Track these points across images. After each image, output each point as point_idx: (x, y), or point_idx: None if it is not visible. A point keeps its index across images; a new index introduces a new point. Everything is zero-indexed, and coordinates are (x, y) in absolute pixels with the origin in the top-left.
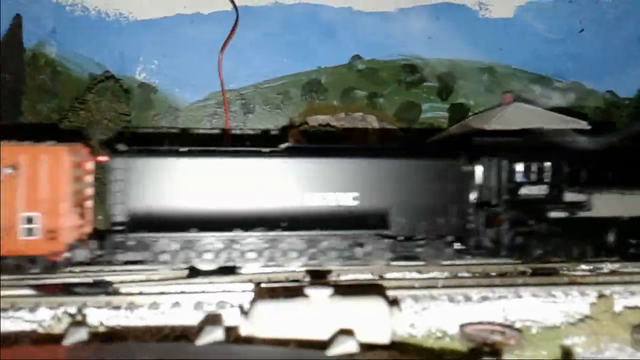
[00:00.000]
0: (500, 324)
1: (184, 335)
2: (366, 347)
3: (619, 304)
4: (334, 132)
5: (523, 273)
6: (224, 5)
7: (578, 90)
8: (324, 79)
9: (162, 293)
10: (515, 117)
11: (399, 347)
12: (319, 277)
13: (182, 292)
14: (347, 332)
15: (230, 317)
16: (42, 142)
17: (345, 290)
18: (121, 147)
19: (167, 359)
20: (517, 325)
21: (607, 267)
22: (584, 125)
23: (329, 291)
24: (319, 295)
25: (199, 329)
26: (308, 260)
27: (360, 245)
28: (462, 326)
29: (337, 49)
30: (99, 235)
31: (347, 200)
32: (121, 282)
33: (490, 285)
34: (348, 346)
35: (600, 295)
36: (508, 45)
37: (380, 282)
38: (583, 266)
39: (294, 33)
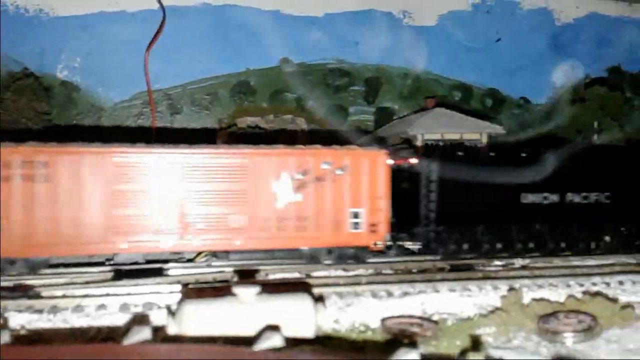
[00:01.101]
0: (418, 317)
1: (110, 336)
2: (292, 342)
3: (527, 296)
4: (263, 134)
5: (442, 269)
6: (150, 4)
7: (494, 97)
8: (253, 80)
9: (86, 296)
10: (436, 122)
11: (323, 341)
12: (247, 277)
13: (107, 295)
14: (273, 328)
15: (158, 318)
16: (364, 148)
17: (272, 288)
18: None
19: (93, 359)
20: (435, 317)
21: (518, 262)
22: (499, 129)
23: (256, 290)
24: (246, 293)
25: (125, 330)
26: None
27: None
28: (383, 320)
29: (266, 52)
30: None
31: None
32: (43, 285)
33: (411, 281)
34: (274, 341)
35: (511, 289)
36: (430, 53)
37: (306, 280)
38: (496, 262)
39: (222, 34)
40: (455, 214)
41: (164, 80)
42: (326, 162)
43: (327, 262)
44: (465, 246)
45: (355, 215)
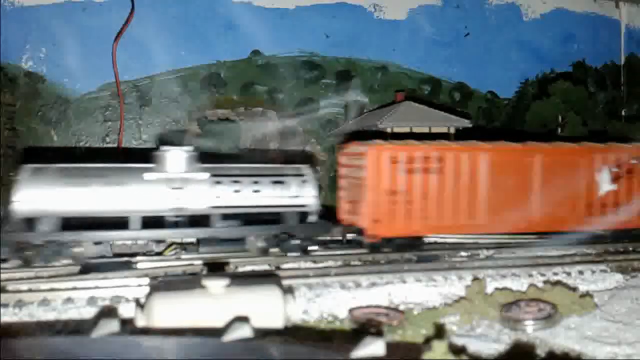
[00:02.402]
0: (385, 307)
1: (78, 330)
2: (261, 333)
3: (490, 286)
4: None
5: (409, 260)
6: None
7: (462, 91)
8: (223, 72)
9: (52, 289)
10: (405, 115)
11: (292, 331)
12: (217, 269)
13: (75, 288)
14: (242, 319)
15: (126, 311)
16: None
17: (242, 280)
18: None
19: (61, 351)
20: (401, 307)
21: (483, 253)
22: (467, 123)
23: (225, 282)
24: (215, 285)
25: (93, 323)
26: None
27: None
28: (351, 310)
29: (237, 44)
30: None
31: None
32: (7, 279)
33: (379, 272)
34: (242, 332)
35: (475, 279)
36: (400, 46)
37: (276, 272)
38: (462, 253)
39: (192, 26)
40: None
41: (133, 71)
42: (636, 158)
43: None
44: None
45: None
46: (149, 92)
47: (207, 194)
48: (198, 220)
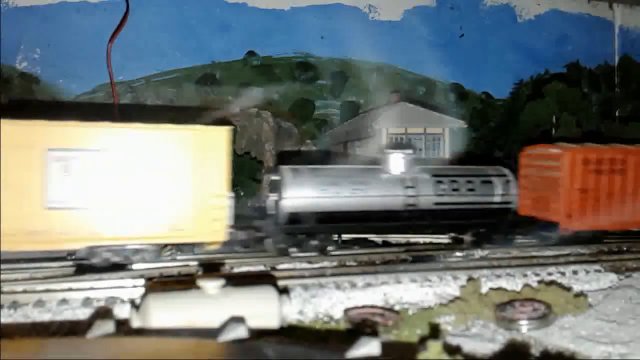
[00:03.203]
0: (380, 307)
1: (73, 331)
2: (256, 333)
3: (485, 286)
4: None
5: (404, 261)
6: None
7: (457, 91)
8: (218, 73)
9: (47, 290)
10: (400, 116)
11: (287, 332)
12: (212, 270)
13: (70, 289)
14: (237, 320)
15: (122, 312)
16: None
17: (237, 281)
18: None
19: (56, 352)
20: (396, 307)
21: (478, 253)
22: (461, 124)
23: (220, 282)
24: (210, 286)
25: (88, 324)
26: None
27: None
28: (346, 310)
29: (232, 44)
30: None
31: None
32: (3, 281)
33: (374, 273)
34: (238, 332)
35: (470, 279)
36: (395, 47)
37: (272, 272)
38: (457, 253)
39: (187, 26)
40: None
41: (127, 72)
42: None
43: None
44: None
45: None
46: (144, 92)
47: (431, 192)
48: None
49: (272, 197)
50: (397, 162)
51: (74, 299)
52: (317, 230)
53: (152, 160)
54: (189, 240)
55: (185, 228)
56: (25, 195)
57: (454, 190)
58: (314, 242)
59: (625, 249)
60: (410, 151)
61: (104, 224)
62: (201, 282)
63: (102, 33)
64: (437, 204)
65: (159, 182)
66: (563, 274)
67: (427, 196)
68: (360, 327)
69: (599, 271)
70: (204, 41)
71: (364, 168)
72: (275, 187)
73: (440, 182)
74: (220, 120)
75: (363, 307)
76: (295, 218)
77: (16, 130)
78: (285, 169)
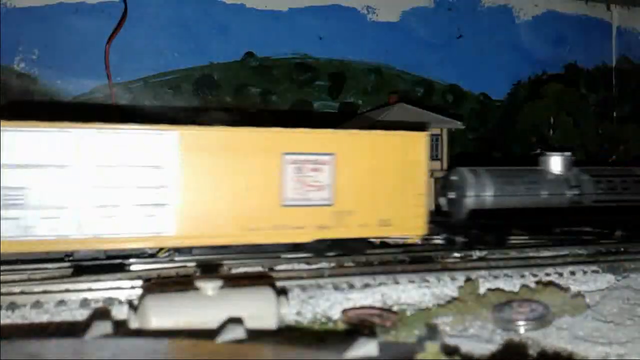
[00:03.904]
0: (378, 308)
1: (71, 332)
2: (254, 334)
3: (483, 287)
4: None
5: (402, 261)
6: None
7: (455, 92)
8: (216, 74)
9: (45, 292)
10: (399, 117)
11: (285, 332)
12: (210, 271)
13: (67, 291)
14: (235, 321)
15: (120, 313)
16: None
17: (235, 282)
18: None
19: (54, 353)
20: (394, 308)
21: (476, 254)
22: (459, 125)
23: (218, 283)
24: (208, 287)
25: (86, 325)
26: None
27: None
28: (344, 311)
29: (230, 45)
30: None
31: None
32: (1, 282)
33: (372, 273)
34: (236, 333)
35: (468, 279)
36: (393, 48)
37: (270, 273)
38: (455, 254)
39: (185, 28)
40: None
41: (125, 73)
42: None
43: None
44: None
45: None
46: (142, 94)
47: (592, 191)
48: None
49: (451, 195)
50: (558, 163)
51: (71, 300)
52: (501, 225)
53: (370, 161)
54: (395, 234)
55: (394, 223)
56: (266, 194)
57: (611, 189)
58: (492, 236)
59: (622, 249)
60: (569, 153)
61: (333, 219)
62: (199, 283)
63: (100, 34)
64: (596, 201)
65: (375, 182)
66: (561, 274)
67: (589, 194)
68: (359, 327)
69: (596, 272)
70: (202, 42)
71: (530, 169)
72: (455, 186)
73: (598, 181)
74: (416, 126)
75: (361, 307)
76: (475, 215)
77: (258, 137)
78: (464, 170)
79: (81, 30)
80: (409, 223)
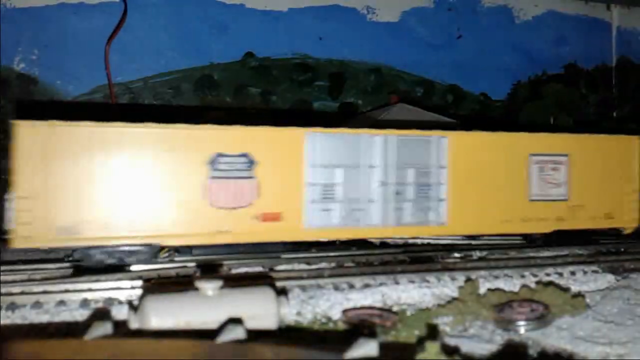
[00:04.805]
0: (379, 308)
1: (71, 332)
2: (254, 334)
3: (483, 287)
4: None
5: (402, 262)
6: None
7: (455, 93)
8: (216, 75)
9: (45, 292)
10: (399, 116)
11: (285, 333)
12: (210, 271)
13: (67, 291)
14: (235, 321)
15: (120, 313)
16: None
17: (235, 282)
18: None
19: (54, 353)
20: (394, 308)
21: (476, 254)
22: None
23: (218, 283)
24: (208, 287)
25: (86, 326)
26: None
27: None
28: (344, 311)
29: (230, 46)
30: None
31: None
32: (1, 282)
33: (372, 274)
34: (236, 333)
35: (468, 279)
36: (393, 49)
37: (270, 274)
38: (455, 254)
39: (185, 28)
40: None
41: (125, 73)
42: None
43: None
44: None
45: None
46: (142, 94)
47: None
48: None
49: None
50: None
51: (71, 301)
52: None
53: (596, 161)
54: (616, 226)
55: (615, 216)
56: (517, 190)
57: None
58: None
59: (622, 249)
60: None
61: (568, 212)
62: (199, 284)
63: (100, 34)
64: None
65: (600, 179)
66: (561, 274)
67: None
68: (359, 328)
69: (596, 272)
70: (202, 42)
71: None
72: None
73: None
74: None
75: (361, 308)
76: None
77: (510, 139)
78: None
79: (81, 30)
80: (627, 216)
